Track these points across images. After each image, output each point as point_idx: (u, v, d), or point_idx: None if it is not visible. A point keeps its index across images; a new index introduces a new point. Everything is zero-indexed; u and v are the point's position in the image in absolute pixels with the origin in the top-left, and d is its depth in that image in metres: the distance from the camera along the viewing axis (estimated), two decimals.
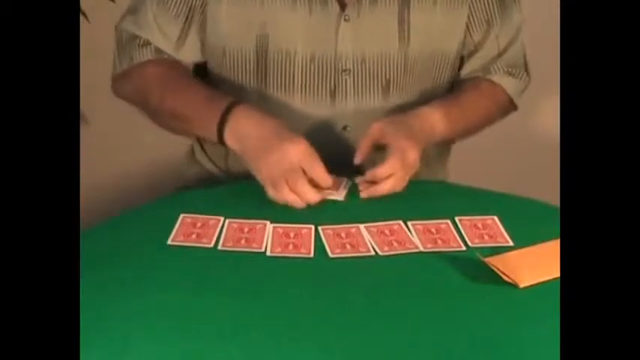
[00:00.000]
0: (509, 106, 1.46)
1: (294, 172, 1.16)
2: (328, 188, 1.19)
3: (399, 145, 1.20)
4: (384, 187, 1.20)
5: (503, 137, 1.83)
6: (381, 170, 1.19)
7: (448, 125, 1.31)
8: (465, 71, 1.43)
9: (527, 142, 2.32)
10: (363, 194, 1.21)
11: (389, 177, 1.20)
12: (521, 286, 1.02)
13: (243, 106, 1.24)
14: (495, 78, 1.42)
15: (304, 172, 1.17)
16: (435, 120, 1.30)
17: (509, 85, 1.43)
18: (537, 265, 1.06)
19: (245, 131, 1.22)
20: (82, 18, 1.83)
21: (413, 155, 1.21)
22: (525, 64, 1.47)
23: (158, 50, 1.35)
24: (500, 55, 1.41)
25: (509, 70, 1.43)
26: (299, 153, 1.17)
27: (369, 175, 1.21)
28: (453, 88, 1.43)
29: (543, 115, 2.28)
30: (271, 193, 1.18)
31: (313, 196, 1.17)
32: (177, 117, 1.31)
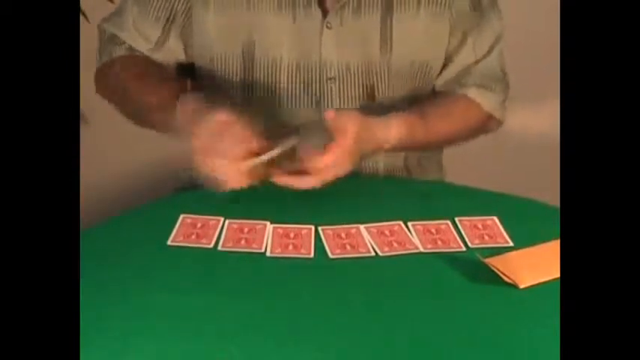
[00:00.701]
0: (490, 121, 1.42)
1: (217, 136, 1.11)
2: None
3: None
4: (305, 182, 1.14)
5: (503, 137, 1.83)
6: (321, 159, 1.13)
7: (408, 134, 1.27)
8: (441, 81, 1.39)
9: (527, 142, 2.32)
10: (280, 180, 1.14)
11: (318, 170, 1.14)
12: (522, 286, 1.02)
13: (184, 98, 1.21)
14: (471, 93, 1.38)
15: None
16: (392, 125, 1.26)
17: (485, 100, 1.39)
18: (537, 265, 1.06)
19: (184, 123, 1.18)
20: (82, 18, 1.83)
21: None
22: (504, 74, 1.43)
23: (132, 49, 1.36)
24: (477, 62, 1.38)
25: (486, 83, 1.39)
26: (215, 126, 1.12)
27: (307, 161, 1.13)
28: (430, 98, 1.39)
29: (543, 115, 2.28)
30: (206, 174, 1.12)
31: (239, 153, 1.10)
32: (144, 114, 1.30)
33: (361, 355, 0.92)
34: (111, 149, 2.27)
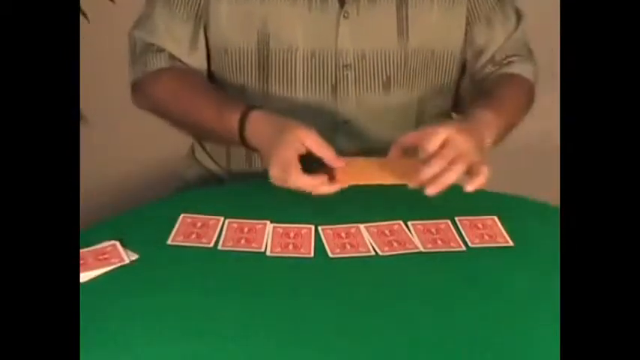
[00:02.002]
0: (532, 91, 1.43)
1: (289, 167, 1.15)
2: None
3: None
4: (451, 176, 1.13)
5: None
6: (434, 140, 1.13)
7: (500, 125, 1.26)
8: (479, 67, 1.40)
9: (527, 142, 2.31)
10: (431, 190, 1.13)
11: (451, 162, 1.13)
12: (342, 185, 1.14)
13: (256, 112, 1.23)
14: (515, 69, 1.39)
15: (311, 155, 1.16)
16: (489, 120, 1.24)
17: (526, 72, 1.40)
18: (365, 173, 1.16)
19: (259, 137, 1.22)
20: (82, 18, 1.83)
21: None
22: (530, 50, 1.44)
23: (172, 56, 1.35)
24: (508, 39, 1.40)
25: (521, 53, 1.41)
26: (296, 142, 1.15)
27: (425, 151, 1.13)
28: (477, 87, 1.40)
29: (543, 115, 2.27)
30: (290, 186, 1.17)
31: (307, 183, 1.15)
32: (201, 131, 1.34)
33: (361, 355, 0.91)
34: (111, 149, 2.27)
